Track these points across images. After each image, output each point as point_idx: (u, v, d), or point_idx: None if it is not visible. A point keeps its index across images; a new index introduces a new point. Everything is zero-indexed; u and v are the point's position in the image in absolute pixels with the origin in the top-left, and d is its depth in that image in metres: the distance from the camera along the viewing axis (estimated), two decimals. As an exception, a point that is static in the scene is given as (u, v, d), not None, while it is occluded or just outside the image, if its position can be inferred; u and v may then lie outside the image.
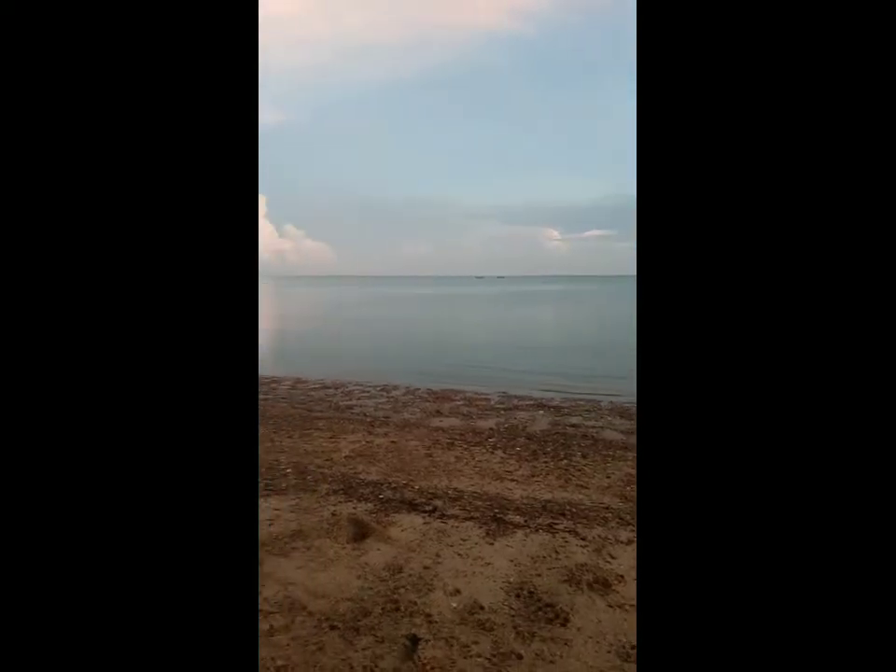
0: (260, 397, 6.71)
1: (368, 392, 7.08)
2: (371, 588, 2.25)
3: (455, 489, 3.37)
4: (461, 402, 6.32)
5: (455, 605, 2.14)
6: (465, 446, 4.39)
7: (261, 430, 4.91)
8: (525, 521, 2.91)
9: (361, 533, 2.74)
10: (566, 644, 1.92)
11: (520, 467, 3.85)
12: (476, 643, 1.92)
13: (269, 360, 10.95)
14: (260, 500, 3.16)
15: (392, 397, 6.77)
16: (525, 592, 2.23)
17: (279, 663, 1.80)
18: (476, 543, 2.66)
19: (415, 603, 2.14)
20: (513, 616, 2.08)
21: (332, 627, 1.99)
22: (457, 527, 2.83)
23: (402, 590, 2.24)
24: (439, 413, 5.79)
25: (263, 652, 1.84)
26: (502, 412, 5.82)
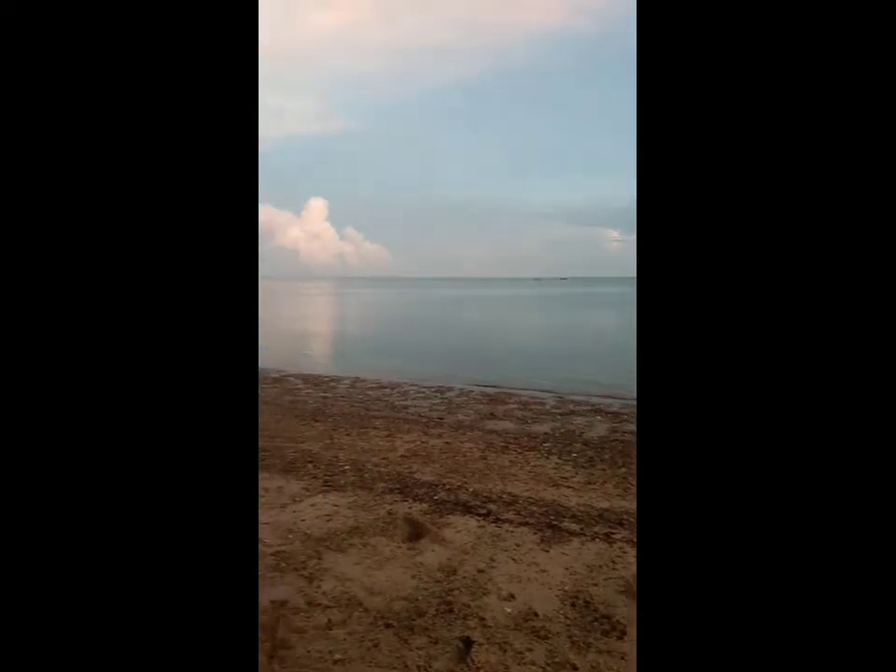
0: (321, 395, 6.93)
1: (423, 393, 7.15)
2: (425, 588, 2.27)
3: (509, 493, 3.36)
4: (515, 406, 6.28)
5: (509, 610, 2.13)
6: (519, 450, 4.36)
7: (321, 427, 5.06)
8: (582, 529, 2.86)
9: (416, 533, 2.77)
10: (622, 658, 1.87)
11: (576, 473, 3.79)
12: (530, 650, 1.90)
13: (329, 360, 11.26)
14: (319, 496, 3.25)
15: (446, 398, 6.81)
16: (580, 601, 2.19)
17: (336, 656, 1.84)
18: (531, 549, 2.64)
19: (469, 606, 2.15)
20: (569, 625, 2.04)
21: (387, 625, 2.02)
22: (512, 532, 2.81)
23: (456, 592, 2.25)
24: (493, 415, 5.77)
25: (321, 645, 1.89)
26: (558, 416, 5.74)
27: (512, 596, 2.22)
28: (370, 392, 7.22)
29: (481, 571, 2.42)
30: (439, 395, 7.02)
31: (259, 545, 2.59)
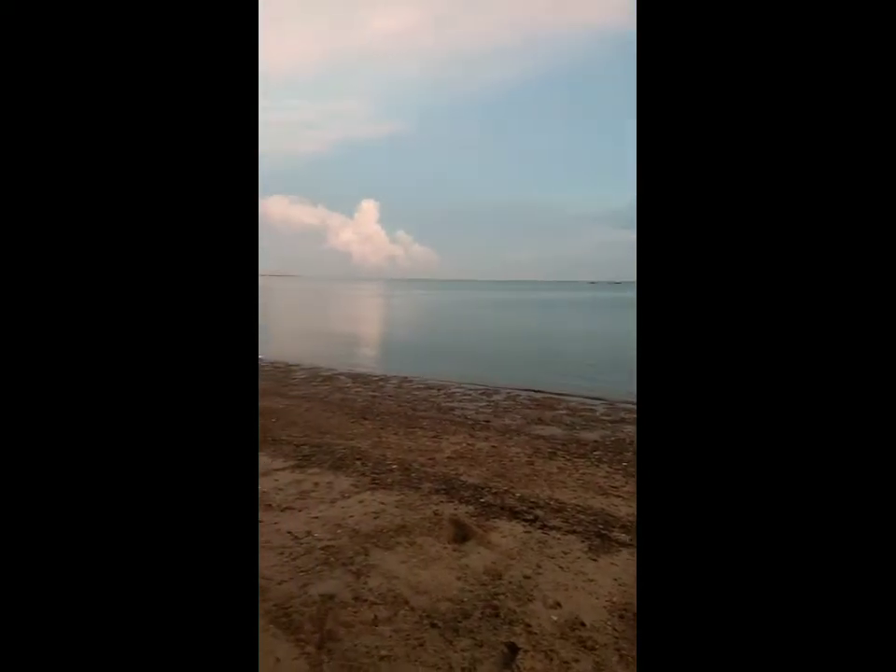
0: (369, 393, 7.03)
1: (469, 395, 7.14)
2: (470, 591, 2.27)
3: (556, 500, 3.31)
4: (564, 412, 6.19)
5: (555, 618, 2.10)
6: (568, 457, 4.29)
7: (370, 425, 5.14)
8: (632, 540, 2.78)
9: (462, 535, 2.77)
10: (674, 676, 1.81)
11: (627, 483, 3.69)
12: (577, 661, 1.86)
13: (378, 359, 11.42)
14: (367, 493, 3.31)
15: (493, 401, 6.78)
16: (629, 614, 2.14)
17: (382, 653, 1.87)
18: (578, 558, 2.59)
19: (515, 611, 2.13)
20: (617, 638, 1.99)
21: (433, 625, 2.03)
22: (559, 540, 2.77)
23: (502, 596, 2.23)
24: (540, 420, 5.71)
25: (368, 640, 1.92)
26: (608, 424, 5.61)
27: (559, 605, 2.19)
28: (416, 392, 7.28)
29: (527, 577, 2.39)
30: (485, 397, 7.00)
31: (309, 538, 2.65)
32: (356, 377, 8.46)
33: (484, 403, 6.66)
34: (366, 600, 2.16)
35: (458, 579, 2.36)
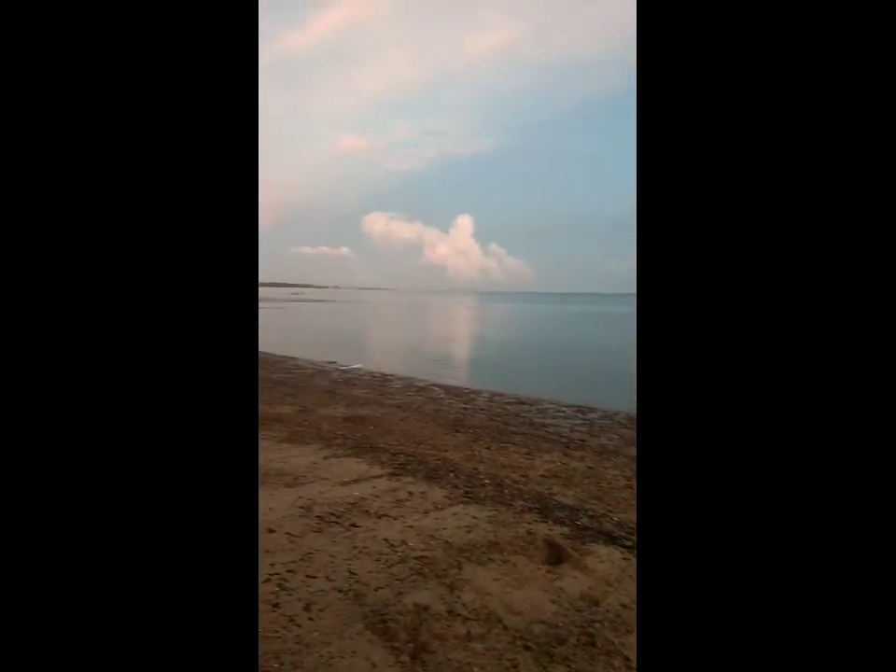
0: (461, 406, 7.09)
1: (563, 412, 6.98)
2: (565, 615, 2.20)
3: (658, 527, 3.13)
4: (665, 433, 5.86)
5: (657, 655, 1.98)
6: (670, 482, 4.05)
7: (462, 438, 5.17)
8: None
9: (557, 557, 2.70)
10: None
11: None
12: (682, 704, 1.74)
13: (469, 372, 11.49)
14: (460, 506, 3.32)
15: (588, 419, 6.58)
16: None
17: (475, 670, 1.86)
18: (682, 592, 2.43)
19: (612, 642, 2.03)
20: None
21: (526, 647, 1.99)
22: (661, 570, 2.62)
23: (598, 625, 2.14)
24: (640, 441, 5.44)
25: (461, 655, 1.92)
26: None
27: (661, 641, 2.06)
28: (508, 407, 7.23)
29: (625, 606, 2.28)
30: (580, 415, 6.80)
31: (404, 547, 2.71)
32: (448, 389, 8.57)
33: (579, 421, 6.48)
34: (459, 615, 2.17)
35: (553, 602, 2.30)
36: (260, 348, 13.95)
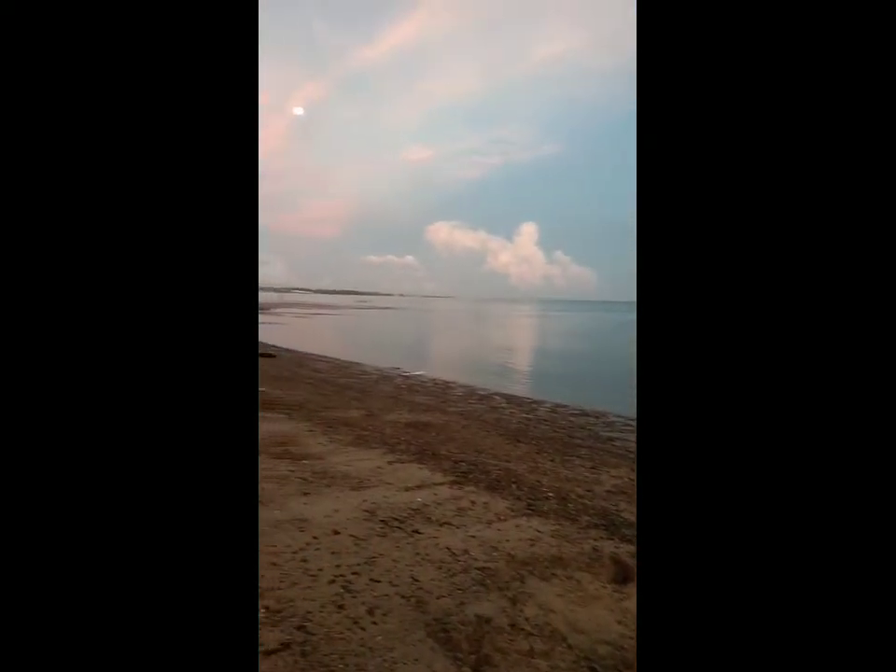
0: (523, 416, 7.01)
1: (630, 426, 6.76)
2: (632, 638, 2.11)
3: (733, 552, 2.96)
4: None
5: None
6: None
7: (524, 448, 5.11)
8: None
9: (624, 576, 2.61)
10: None
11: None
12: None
13: (530, 382, 11.35)
14: (523, 518, 3.27)
15: (657, 434, 6.33)
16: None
17: (539, 687, 1.82)
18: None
19: (684, 671, 1.93)
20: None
21: (591, 669, 1.93)
22: (737, 598, 2.47)
23: (669, 652, 2.04)
24: (713, 459, 5.18)
25: None
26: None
27: None
28: (572, 418, 7.08)
29: (698, 635, 2.16)
30: (648, 429, 6.56)
31: (466, 557, 2.70)
32: (509, 398, 8.51)
33: (647, 435, 6.24)
34: (522, 629, 2.13)
35: (619, 623, 2.22)
36: (328, 353, 14.41)
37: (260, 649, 1.86)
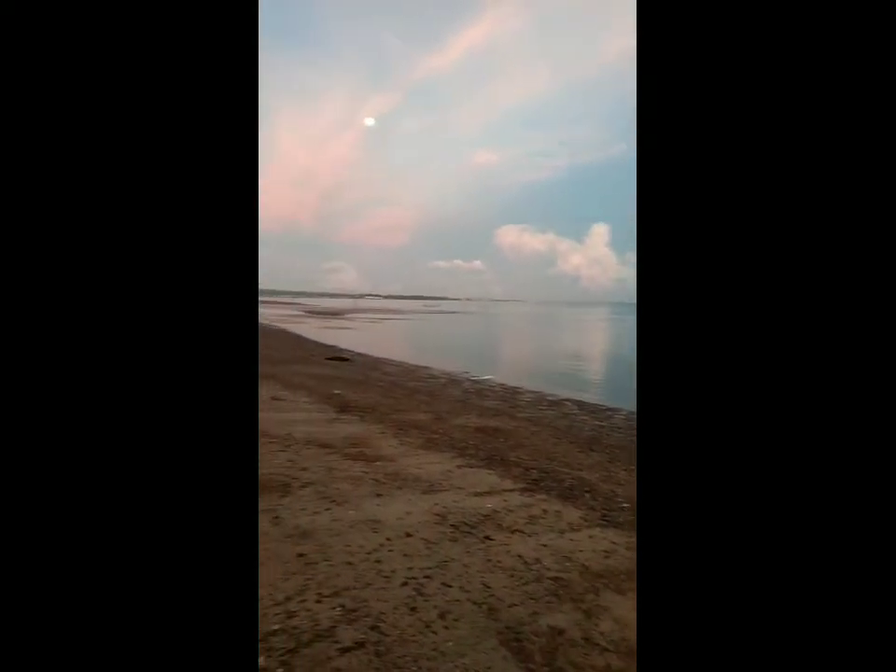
0: (596, 423, 6.82)
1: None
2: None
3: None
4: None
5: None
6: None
7: (598, 457, 4.97)
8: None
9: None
10: None
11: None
12: None
13: (602, 389, 11.05)
14: (597, 529, 3.18)
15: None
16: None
17: (616, 707, 1.75)
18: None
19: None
20: None
21: (673, 691, 1.83)
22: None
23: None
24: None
25: (600, 688, 1.82)
26: None
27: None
28: (648, 427, 6.81)
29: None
30: (731, 440, 6.20)
31: (539, 566, 2.65)
32: (581, 405, 8.31)
33: (729, 446, 5.90)
34: (597, 644, 2.06)
35: (703, 645, 2.10)
36: (396, 358, 14.67)
37: (336, 646, 1.91)
